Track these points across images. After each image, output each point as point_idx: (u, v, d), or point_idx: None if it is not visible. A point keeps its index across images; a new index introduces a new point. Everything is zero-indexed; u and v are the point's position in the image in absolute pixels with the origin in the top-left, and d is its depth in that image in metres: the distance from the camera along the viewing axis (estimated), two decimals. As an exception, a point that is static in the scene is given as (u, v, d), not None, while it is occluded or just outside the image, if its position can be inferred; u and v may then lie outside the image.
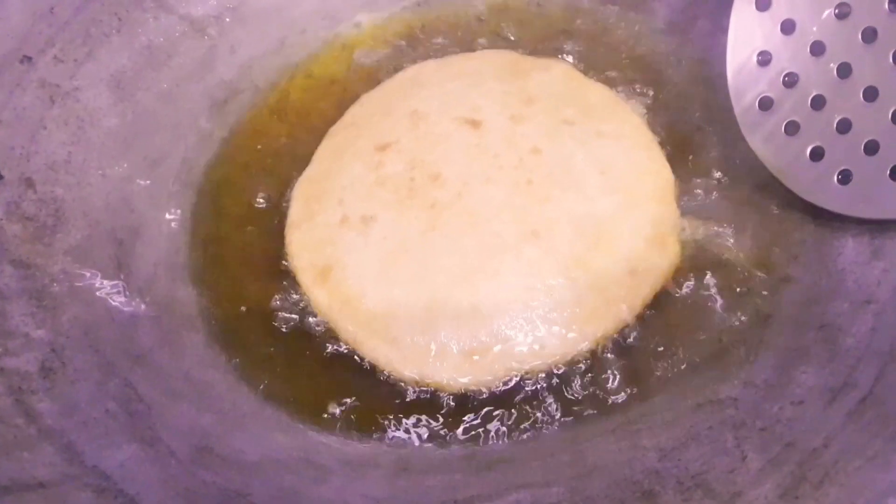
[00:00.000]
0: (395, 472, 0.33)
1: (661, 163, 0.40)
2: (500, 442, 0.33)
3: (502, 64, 0.44)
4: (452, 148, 0.41)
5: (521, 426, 0.34)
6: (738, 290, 0.36)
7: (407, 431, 0.34)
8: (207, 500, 0.30)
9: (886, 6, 0.34)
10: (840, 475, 0.26)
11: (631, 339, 0.35)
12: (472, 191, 0.39)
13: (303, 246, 0.39)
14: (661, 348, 0.35)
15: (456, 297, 0.36)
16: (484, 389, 0.34)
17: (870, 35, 0.34)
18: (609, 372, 0.34)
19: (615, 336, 0.35)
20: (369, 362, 0.36)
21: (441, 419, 0.34)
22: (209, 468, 0.31)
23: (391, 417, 0.34)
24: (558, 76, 0.43)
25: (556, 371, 0.34)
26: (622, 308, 0.35)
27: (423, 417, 0.34)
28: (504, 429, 0.34)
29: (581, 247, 0.37)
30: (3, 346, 0.33)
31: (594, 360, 0.35)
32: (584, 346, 0.35)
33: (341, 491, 0.32)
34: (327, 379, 0.36)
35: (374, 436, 0.34)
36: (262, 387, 0.36)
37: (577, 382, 0.34)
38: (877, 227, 0.34)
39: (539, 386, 0.34)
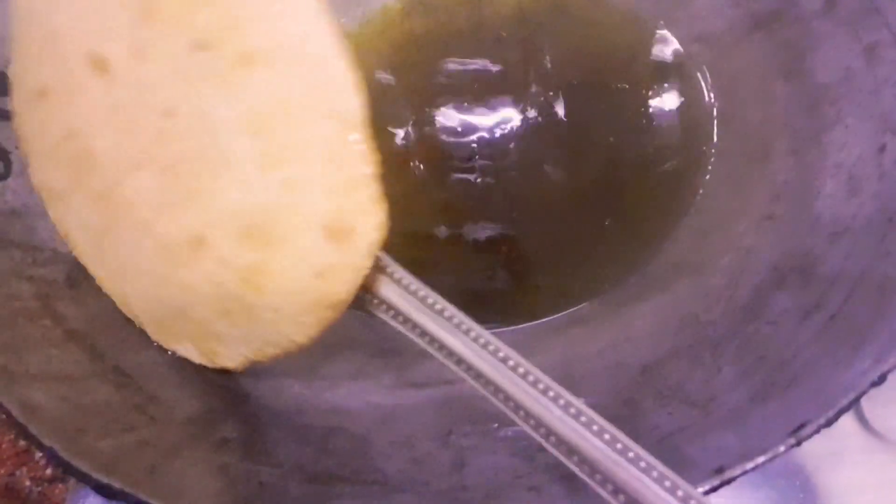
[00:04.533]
0: (397, 385, 0.35)
1: (346, 93, 0.24)
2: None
3: None
4: (93, 109, 0.28)
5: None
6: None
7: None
8: (219, 399, 0.33)
9: None
10: (806, 378, 0.29)
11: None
12: (125, 179, 0.28)
13: None
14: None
15: (164, 300, 0.30)
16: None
17: None
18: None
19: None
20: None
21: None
22: (221, 372, 0.34)
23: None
24: None
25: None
26: (322, 315, 0.27)
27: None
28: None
29: (252, 251, 0.27)
30: (32, 257, 0.35)
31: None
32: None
33: (346, 398, 0.34)
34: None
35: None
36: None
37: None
38: (855, 168, 0.36)
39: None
